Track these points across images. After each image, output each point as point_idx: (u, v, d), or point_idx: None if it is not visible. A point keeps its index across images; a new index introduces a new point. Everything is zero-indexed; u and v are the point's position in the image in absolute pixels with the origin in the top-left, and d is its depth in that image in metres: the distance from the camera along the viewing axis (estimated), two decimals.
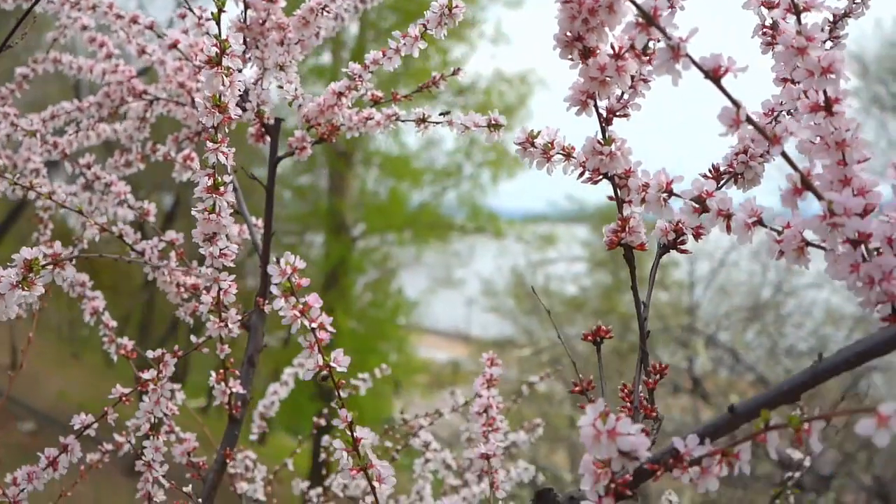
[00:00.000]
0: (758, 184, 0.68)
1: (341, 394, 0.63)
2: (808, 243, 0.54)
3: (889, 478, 5.97)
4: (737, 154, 0.68)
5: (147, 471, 0.92)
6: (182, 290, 1.02)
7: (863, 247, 0.52)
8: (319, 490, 1.45)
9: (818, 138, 0.54)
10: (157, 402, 0.89)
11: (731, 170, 0.68)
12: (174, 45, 1.04)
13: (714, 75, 0.50)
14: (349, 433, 0.64)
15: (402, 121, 0.96)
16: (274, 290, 0.60)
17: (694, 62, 0.50)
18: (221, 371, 0.95)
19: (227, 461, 0.98)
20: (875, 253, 0.51)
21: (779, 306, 6.87)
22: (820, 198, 0.51)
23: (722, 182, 0.69)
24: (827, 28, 0.71)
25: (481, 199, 11.65)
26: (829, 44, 0.71)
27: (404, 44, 0.90)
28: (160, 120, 1.25)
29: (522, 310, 9.73)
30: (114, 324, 1.09)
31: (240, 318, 0.90)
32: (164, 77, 1.15)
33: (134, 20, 1.09)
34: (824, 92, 0.53)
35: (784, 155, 0.51)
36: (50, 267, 0.67)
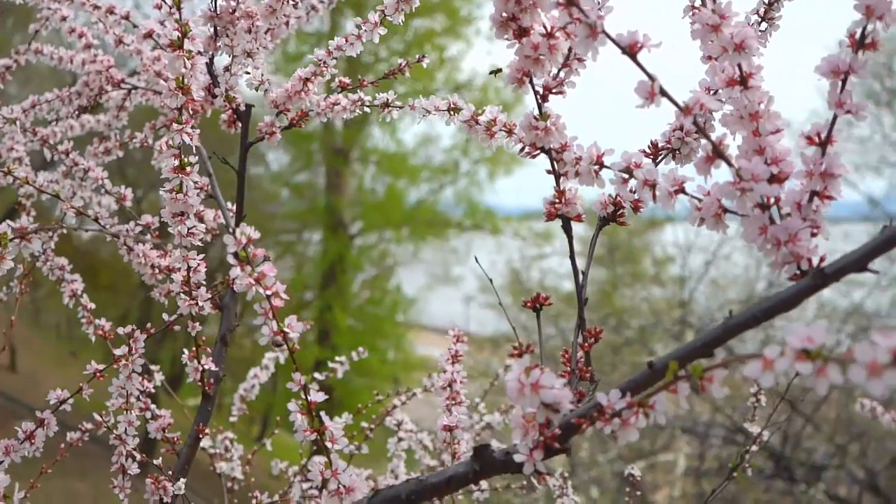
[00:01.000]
0: (693, 159, 0.71)
1: (294, 358, 0.67)
2: (726, 209, 0.57)
3: (880, 469, 6.01)
4: (674, 130, 0.71)
5: (120, 444, 0.95)
6: (156, 271, 1.05)
7: (775, 211, 0.56)
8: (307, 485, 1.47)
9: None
10: (129, 376, 0.93)
11: (668, 146, 0.72)
12: (149, 35, 1.07)
13: (631, 51, 0.54)
14: (304, 396, 0.68)
15: (368, 106, 1.00)
16: (230, 259, 0.64)
17: (611, 38, 0.53)
18: (194, 349, 0.99)
19: (200, 436, 1.01)
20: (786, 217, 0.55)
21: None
22: (730, 165, 0.54)
23: (660, 157, 0.72)
24: (762, 9, 0.75)
25: (478, 196, 11.68)
26: (763, 24, 0.75)
27: (365, 30, 0.93)
28: (139, 110, 1.28)
29: (519, 306, 9.75)
30: (92, 306, 1.12)
31: (210, 296, 0.94)
32: (140, 66, 1.18)
33: (110, 10, 1.12)
34: (739, 66, 0.56)
35: (696, 125, 0.54)
36: (17, 240, 0.71)
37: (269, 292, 0.65)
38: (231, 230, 0.64)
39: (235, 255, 0.64)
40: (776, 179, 0.56)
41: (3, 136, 1.33)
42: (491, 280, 1.02)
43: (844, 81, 0.55)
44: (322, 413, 0.68)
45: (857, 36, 0.54)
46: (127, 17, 1.14)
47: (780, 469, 5.90)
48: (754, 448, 1.12)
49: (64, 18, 1.23)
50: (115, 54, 1.26)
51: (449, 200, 12.19)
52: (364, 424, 1.32)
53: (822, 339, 0.40)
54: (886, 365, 0.37)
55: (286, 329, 0.66)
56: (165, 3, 1.01)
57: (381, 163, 12.10)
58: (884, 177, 9.49)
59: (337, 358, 1.37)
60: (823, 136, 0.55)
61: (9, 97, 1.66)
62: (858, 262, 0.50)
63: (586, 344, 0.67)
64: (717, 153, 0.54)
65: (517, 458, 0.57)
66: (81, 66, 1.25)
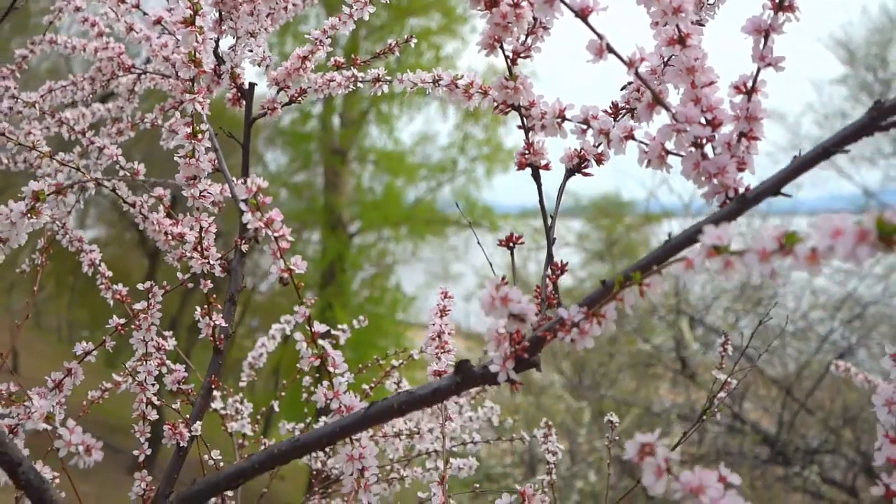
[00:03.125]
0: (650, 118, 0.80)
1: (299, 293, 0.76)
2: (668, 151, 0.67)
3: (874, 452, 6.09)
4: (632, 92, 0.80)
5: (140, 392, 1.05)
6: (169, 238, 1.14)
7: (710, 150, 0.65)
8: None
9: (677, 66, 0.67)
10: (149, 328, 1.02)
11: (627, 105, 0.81)
12: (158, 21, 1.16)
13: (582, 14, 0.63)
14: (308, 328, 0.77)
15: (361, 82, 1.09)
16: (242, 206, 0.73)
17: (565, 4, 0.63)
18: (206, 307, 1.08)
19: (213, 387, 1.10)
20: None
21: (765, 288, 7.01)
22: (668, 110, 0.63)
23: (620, 115, 0.81)
24: None
25: (476, 193, 11.77)
26: None
27: (356, 9, 1.03)
28: (147, 93, 1.38)
29: None
30: (110, 273, 1.21)
31: (220, 256, 1.03)
32: (149, 51, 1.28)
33: (122, 0, 1.22)
34: (677, 27, 0.66)
35: (638, 76, 0.63)
36: (54, 195, 0.80)
37: (276, 234, 0.74)
38: (241, 180, 0.73)
39: (246, 201, 0.73)
40: (713, 124, 0.65)
41: (22, 121, 1.42)
42: (491, 263, 1.10)
43: (766, 38, 0.64)
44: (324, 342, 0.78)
45: (778, 1, 0.64)
46: (137, 6, 1.23)
47: (775, 454, 6.01)
48: (721, 394, 1.21)
49: (78, 9, 1.32)
50: (126, 42, 1.35)
51: (447, 198, 12.28)
52: (365, 386, 1.41)
53: (730, 238, 0.49)
54: (773, 251, 0.46)
55: (292, 266, 0.75)
56: None
57: (378, 162, 12.19)
58: (879, 167, 9.58)
59: (339, 325, 1.46)
60: (749, 85, 0.64)
61: None
62: (773, 187, 0.59)
63: (553, 276, 0.76)
64: (657, 100, 0.64)
65: (492, 368, 0.67)
66: (94, 53, 1.35)
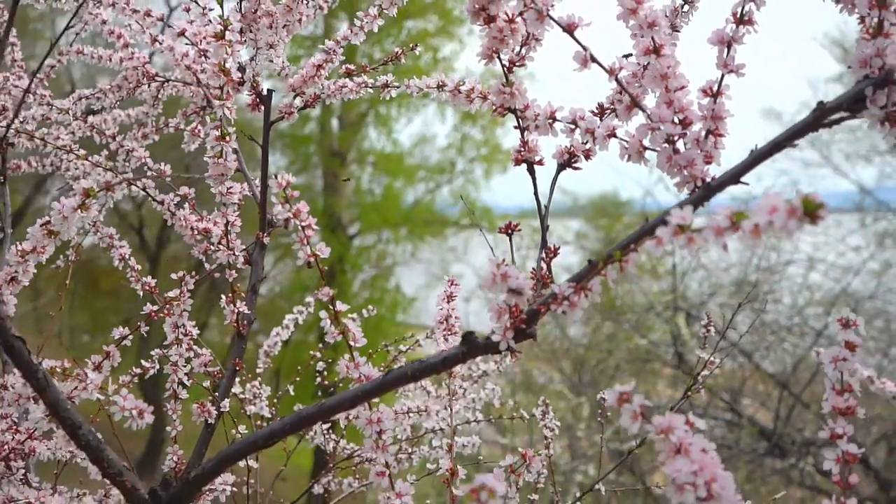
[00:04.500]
0: (629, 118, 0.90)
1: (322, 275, 0.86)
2: (645, 147, 0.77)
3: (870, 445, 6.21)
4: (615, 95, 0.90)
5: (173, 373, 1.15)
6: (195, 232, 1.24)
7: (681, 145, 0.75)
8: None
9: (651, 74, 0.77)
10: (181, 314, 1.12)
11: (611, 107, 0.91)
12: (182, 34, 1.26)
13: (569, 29, 0.73)
14: (332, 306, 0.87)
15: (371, 87, 1.19)
16: (273, 199, 0.83)
17: (554, 20, 0.73)
18: (231, 295, 1.18)
19: (237, 369, 1.20)
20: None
21: (760, 284, 7.11)
22: (643, 111, 0.73)
23: (606, 115, 0.91)
24: None
25: (475, 194, 11.87)
26: (686, 7, 0.94)
27: (366, 21, 1.13)
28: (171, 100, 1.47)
29: None
30: (139, 267, 1.31)
31: (244, 247, 1.13)
32: (172, 61, 1.37)
33: (147, 14, 1.32)
34: (652, 39, 0.76)
35: (618, 81, 0.73)
36: (103, 192, 0.90)
37: (303, 224, 0.84)
38: (274, 175, 0.83)
39: (277, 194, 0.83)
40: (683, 123, 0.75)
41: (50, 126, 1.52)
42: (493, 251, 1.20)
43: (729, 48, 0.74)
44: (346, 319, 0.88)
45: (738, 14, 0.74)
46: (161, 19, 1.33)
47: (772, 447, 6.10)
48: (705, 372, 1.30)
49: (104, 22, 1.42)
50: (149, 53, 1.45)
51: (446, 199, 12.38)
52: None
53: (691, 219, 0.59)
54: (726, 227, 0.56)
55: (317, 252, 0.85)
56: (196, 3, 1.21)
57: (377, 163, 12.28)
58: (874, 165, 9.68)
59: (350, 316, 1.55)
60: (715, 89, 0.74)
61: None
62: (733, 178, 0.69)
63: (547, 258, 0.86)
64: (634, 103, 0.74)
65: (494, 338, 0.77)
66: (119, 63, 1.44)
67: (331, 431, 1.62)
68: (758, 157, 0.69)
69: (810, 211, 0.50)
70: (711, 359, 1.30)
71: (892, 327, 7.96)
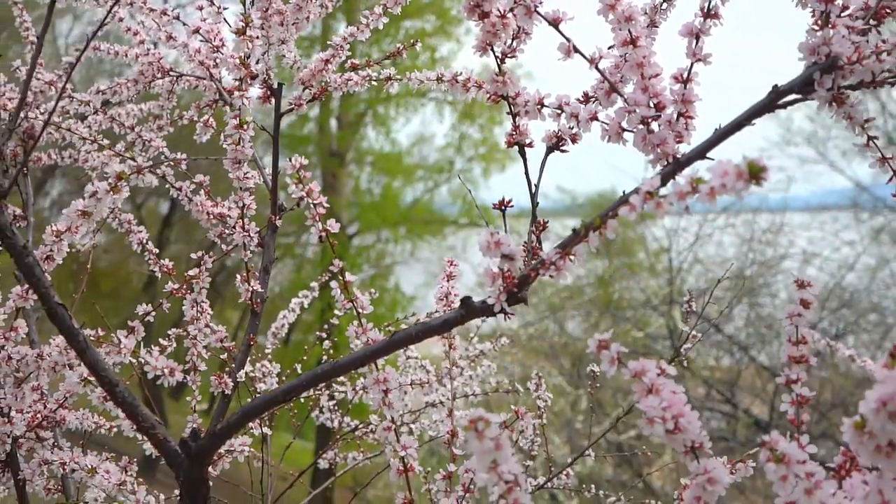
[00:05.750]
0: (611, 104, 0.99)
1: (334, 249, 0.95)
2: (623, 129, 0.85)
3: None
4: (598, 82, 0.99)
5: (193, 346, 1.23)
6: (210, 217, 1.33)
7: (655, 126, 0.84)
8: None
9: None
10: (201, 291, 1.21)
11: (595, 94, 0.99)
12: (196, 31, 1.35)
13: (555, 23, 0.82)
14: (342, 277, 0.96)
15: (374, 80, 1.28)
16: (288, 179, 0.92)
17: (541, 15, 0.81)
18: (245, 274, 1.26)
19: (251, 343, 1.29)
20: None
21: (755, 279, 7.22)
22: (621, 95, 0.82)
23: (592, 101, 1.00)
24: None
25: (474, 193, 11.94)
26: (665, 4, 1.02)
27: (372, 20, 1.22)
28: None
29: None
30: (157, 251, 1.39)
31: (258, 229, 1.22)
32: (186, 57, 1.46)
33: (164, 13, 1.40)
34: (629, 31, 0.85)
35: (598, 69, 0.82)
36: (135, 175, 0.98)
37: (315, 202, 0.93)
38: (288, 158, 0.92)
39: (291, 175, 0.92)
40: (657, 107, 0.84)
41: (68, 119, 1.61)
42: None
43: (697, 39, 0.83)
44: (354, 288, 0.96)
45: (705, 9, 0.83)
46: (177, 18, 1.42)
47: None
48: (687, 345, 1.39)
49: (121, 19, 1.51)
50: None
51: (444, 198, 12.45)
52: None
53: (658, 187, 0.68)
54: (687, 191, 0.65)
55: (329, 227, 0.94)
56: (212, 2, 1.29)
57: (376, 163, 12.36)
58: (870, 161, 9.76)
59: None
60: (685, 76, 0.83)
61: None
62: (700, 153, 0.78)
63: (537, 231, 0.95)
64: (613, 89, 0.83)
65: (489, 300, 0.85)
66: (135, 59, 1.53)
67: (336, 408, 1.71)
68: (721, 135, 0.78)
69: (755, 173, 0.59)
70: (693, 333, 1.39)
71: (888, 321, 8.06)
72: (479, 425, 0.67)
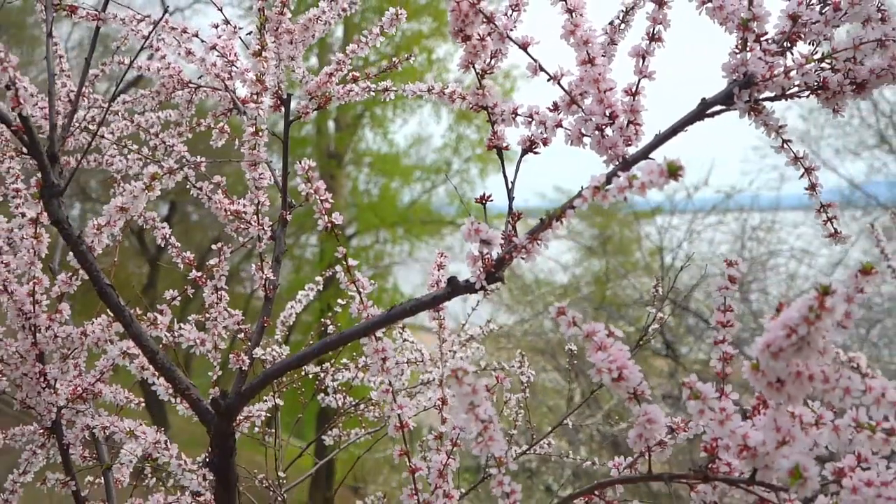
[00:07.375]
0: (573, 114, 1.15)
1: (338, 239, 1.11)
2: (583, 134, 1.02)
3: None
4: (563, 96, 1.15)
5: (213, 327, 1.39)
6: (227, 213, 1.49)
7: (609, 132, 1.00)
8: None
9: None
10: (220, 278, 1.37)
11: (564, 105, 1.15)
12: (213, 47, 1.51)
13: (524, 46, 0.98)
14: (345, 262, 1.12)
15: (374, 91, 1.44)
16: (298, 178, 1.08)
17: (512, 40, 0.98)
18: (259, 263, 1.43)
19: (265, 325, 1.45)
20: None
21: (747, 275, 7.38)
22: (579, 106, 0.98)
23: (558, 111, 1.16)
24: (622, 14, 1.19)
25: (471, 193, 12.09)
26: (623, 25, 1.19)
27: (371, 38, 1.38)
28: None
29: (516, 300, 10.19)
30: (178, 244, 1.55)
31: (271, 223, 1.38)
32: (203, 70, 1.62)
33: (184, 31, 1.57)
34: (587, 52, 1.01)
35: (560, 85, 0.98)
36: (167, 175, 1.14)
37: (322, 198, 1.09)
38: (296, 161, 1.08)
39: (301, 175, 1.08)
40: (611, 116, 1.00)
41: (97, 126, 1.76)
42: None
43: (644, 59, 0.99)
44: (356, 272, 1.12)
45: (651, 33, 0.99)
46: (196, 35, 1.58)
47: None
48: (655, 326, 1.55)
49: (145, 37, 1.67)
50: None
51: (442, 199, 12.60)
52: None
53: (604, 181, 0.84)
54: (626, 186, 0.81)
55: (333, 220, 1.10)
56: (228, 22, 1.45)
57: (374, 164, 12.51)
58: (863, 159, 9.95)
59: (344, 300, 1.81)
60: (634, 90, 0.99)
61: None
62: (642, 155, 0.94)
63: (513, 220, 1.11)
64: (572, 100, 0.99)
65: (471, 279, 1.02)
66: (157, 72, 1.69)
67: (340, 389, 1.87)
68: (660, 139, 0.94)
69: (673, 171, 0.75)
70: (661, 314, 1.55)
71: (876, 316, 8.22)
72: (459, 373, 0.83)
